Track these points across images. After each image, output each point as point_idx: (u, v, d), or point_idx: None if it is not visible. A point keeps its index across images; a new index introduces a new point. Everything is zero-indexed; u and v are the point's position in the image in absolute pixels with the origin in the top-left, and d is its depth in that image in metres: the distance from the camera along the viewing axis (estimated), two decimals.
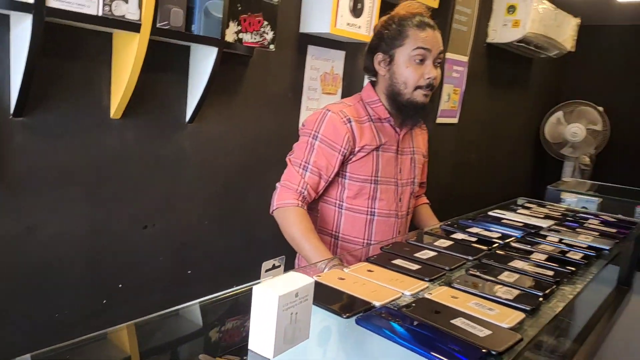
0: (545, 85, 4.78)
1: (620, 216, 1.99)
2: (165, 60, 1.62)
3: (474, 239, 1.34)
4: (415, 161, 1.55)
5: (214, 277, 1.95)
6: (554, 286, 1.03)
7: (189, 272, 1.88)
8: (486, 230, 1.45)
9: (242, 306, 0.91)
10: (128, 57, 1.39)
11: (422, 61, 1.36)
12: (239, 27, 1.63)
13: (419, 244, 1.25)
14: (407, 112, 1.41)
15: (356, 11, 2.02)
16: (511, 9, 3.27)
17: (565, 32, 3.85)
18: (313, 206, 1.47)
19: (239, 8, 1.61)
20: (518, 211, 1.76)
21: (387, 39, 1.39)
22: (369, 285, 0.95)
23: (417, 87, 1.37)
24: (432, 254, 1.17)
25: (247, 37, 1.67)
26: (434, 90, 1.41)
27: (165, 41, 1.51)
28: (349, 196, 1.43)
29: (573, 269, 1.15)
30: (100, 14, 1.23)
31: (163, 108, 1.66)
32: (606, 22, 4.77)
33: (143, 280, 1.73)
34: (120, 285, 1.66)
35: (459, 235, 1.36)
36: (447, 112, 2.94)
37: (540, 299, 0.95)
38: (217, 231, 1.94)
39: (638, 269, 2.08)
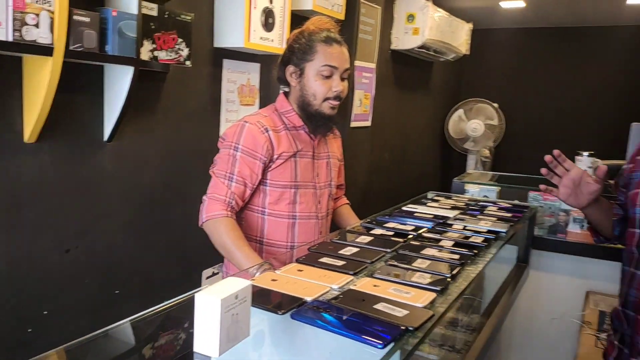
0: (446, 85, 5.16)
1: (515, 202, 2.25)
2: (79, 82, 1.60)
3: (391, 233, 1.47)
4: (331, 165, 1.65)
5: (145, 294, 1.95)
6: (460, 268, 1.18)
7: (117, 291, 1.86)
8: (401, 224, 1.59)
9: (180, 316, 0.96)
10: (41, 81, 1.37)
11: (330, 76, 1.47)
12: (154, 45, 1.66)
13: (343, 242, 1.35)
14: (316, 121, 1.52)
15: (268, 25, 2.11)
16: (410, 17, 3.53)
17: (459, 37, 4.21)
18: (237, 214, 1.54)
19: (153, 27, 1.64)
20: (428, 204, 1.93)
21: (297, 52, 1.49)
22: (300, 283, 1.04)
23: (326, 99, 1.49)
24: (354, 250, 1.28)
25: (162, 55, 1.70)
26: (342, 101, 1.53)
27: (79, 62, 1.51)
28: (270, 202, 1.51)
29: (475, 251, 1.31)
30: (10, 39, 1.22)
31: (80, 129, 1.64)
32: (495, 25, 5.25)
33: (69, 304, 1.69)
34: (45, 312, 1.62)
35: (378, 231, 1.49)
36: (360, 116, 3.12)
37: (449, 279, 1.09)
38: (145, 248, 1.94)
39: (533, 247, 2.35)
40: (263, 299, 0.95)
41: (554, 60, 5.16)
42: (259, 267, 1.22)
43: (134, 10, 1.54)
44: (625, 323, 1.21)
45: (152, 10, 1.64)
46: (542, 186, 1.34)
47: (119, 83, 1.63)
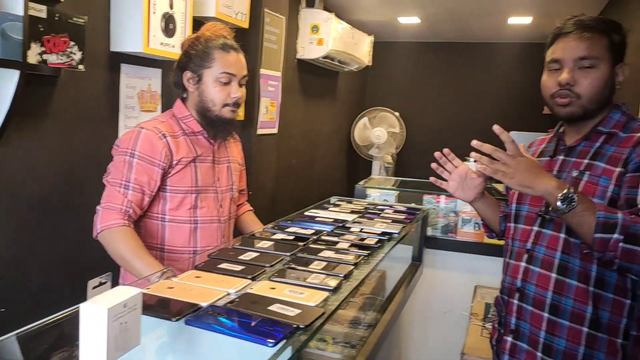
0: (352, 94, 5.37)
1: (410, 205, 2.41)
2: None
3: (291, 237, 1.52)
4: (232, 169, 1.67)
5: (34, 310, 1.82)
6: (353, 267, 1.25)
7: (3, 310, 1.73)
8: (302, 228, 1.64)
9: (67, 330, 0.94)
10: None
11: (228, 82, 1.50)
12: (43, 49, 1.57)
13: (244, 247, 1.38)
14: (217, 126, 1.53)
15: (168, 31, 2.08)
16: (315, 28, 3.64)
17: (362, 48, 4.41)
18: (135, 223, 1.50)
19: (41, 29, 1.55)
20: (330, 209, 2.01)
21: (194, 59, 1.49)
22: (197, 289, 1.05)
23: (225, 105, 1.51)
24: (255, 254, 1.31)
25: (52, 58, 1.62)
26: (240, 106, 1.57)
27: None
28: (171, 208, 1.50)
29: (369, 251, 1.40)
30: None
31: None
32: (395, 39, 5.56)
33: None
34: None
35: (279, 236, 1.53)
36: (267, 123, 3.16)
37: (342, 279, 1.16)
38: (34, 261, 1.82)
39: (427, 246, 2.53)
40: (158, 306, 0.95)
41: (447, 72, 5.57)
42: (161, 275, 1.20)
43: (19, 11, 1.45)
44: (501, 307, 1.36)
45: (41, 12, 1.56)
46: (432, 178, 1.47)
47: (3, 87, 1.53)
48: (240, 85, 1.53)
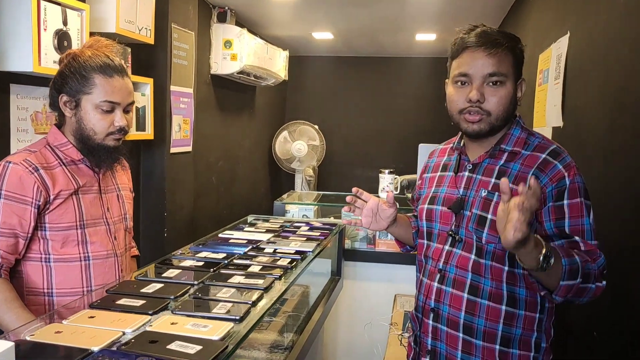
0: (271, 108, 5.35)
1: (326, 219, 2.42)
2: None
3: (201, 263, 1.46)
4: (123, 197, 1.51)
5: None
6: (263, 292, 1.22)
7: None
8: (214, 252, 1.58)
9: None
10: None
11: (111, 110, 1.33)
12: None
13: (147, 279, 1.30)
14: (100, 155, 1.37)
15: (62, 48, 1.95)
16: (227, 43, 3.59)
17: (277, 63, 4.41)
18: (14, 268, 1.33)
19: None
20: (245, 229, 1.97)
21: (71, 81, 1.32)
22: (89, 331, 0.97)
23: (109, 134, 1.35)
24: (159, 286, 1.24)
25: None
26: (127, 133, 1.40)
27: None
28: (54, 247, 1.33)
29: (281, 273, 1.37)
30: None
31: None
32: (310, 53, 5.63)
33: None
34: None
35: (187, 262, 1.46)
36: (180, 141, 3.05)
37: (249, 307, 1.12)
38: None
39: (347, 259, 2.55)
40: (40, 355, 0.86)
41: (362, 85, 5.72)
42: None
43: None
44: (416, 324, 1.35)
45: None
46: (344, 220, 1.47)
47: None
48: (126, 112, 1.38)
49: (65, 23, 1.95)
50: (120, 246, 1.48)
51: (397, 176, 2.85)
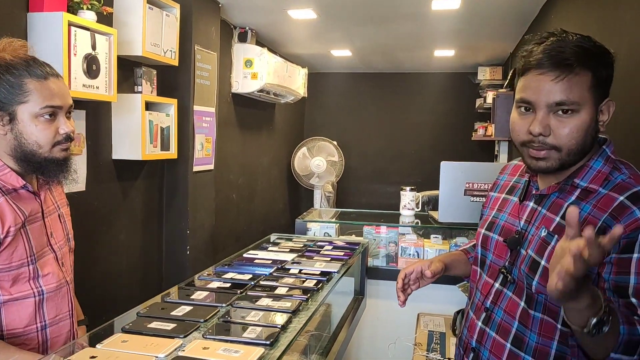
0: (290, 125, 5.40)
1: (349, 238, 2.41)
2: None
3: (228, 285, 1.47)
4: (64, 215, 1.36)
5: None
6: (291, 316, 1.22)
7: None
8: (239, 273, 1.59)
9: None
10: None
11: (53, 116, 1.17)
12: None
13: (176, 301, 1.31)
14: (48, 170, 1.21)
15: (91, 72, 2.00)
16: (248, 63, 3.65)
17: (297, 80, 4.46)
18: None
19: None
20: (269, 249, 1.97)
21: None
22: (123, 357, 0.98)
23: (55, 144, 1.19)
24: (188, 308, 1.25)
25: None
26: (73, 140, 1.24)
27: None
28: (3, 287, 1.15)
29: (307, 296, 1.38)
30: None
31: None
32: (329, 70, 5.68)
33: None
34: None
35: (215, 284, 1.47)
36: (202, 160, 3.09)
37: (278, 331, 1.12)
38: None
39: (370, 277, 2.54)
40: None
41: (381, 101, 5.75)
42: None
43: None
44: (458, 356, 1.26)
45: None
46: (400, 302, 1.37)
47: None
48: (68, 117, 1.21)
49: (94, 47, 2.01)
50: (68, 272, 1.33)
51: (418, 193, 2.84)
